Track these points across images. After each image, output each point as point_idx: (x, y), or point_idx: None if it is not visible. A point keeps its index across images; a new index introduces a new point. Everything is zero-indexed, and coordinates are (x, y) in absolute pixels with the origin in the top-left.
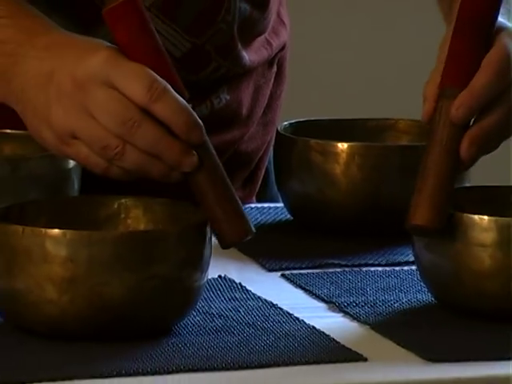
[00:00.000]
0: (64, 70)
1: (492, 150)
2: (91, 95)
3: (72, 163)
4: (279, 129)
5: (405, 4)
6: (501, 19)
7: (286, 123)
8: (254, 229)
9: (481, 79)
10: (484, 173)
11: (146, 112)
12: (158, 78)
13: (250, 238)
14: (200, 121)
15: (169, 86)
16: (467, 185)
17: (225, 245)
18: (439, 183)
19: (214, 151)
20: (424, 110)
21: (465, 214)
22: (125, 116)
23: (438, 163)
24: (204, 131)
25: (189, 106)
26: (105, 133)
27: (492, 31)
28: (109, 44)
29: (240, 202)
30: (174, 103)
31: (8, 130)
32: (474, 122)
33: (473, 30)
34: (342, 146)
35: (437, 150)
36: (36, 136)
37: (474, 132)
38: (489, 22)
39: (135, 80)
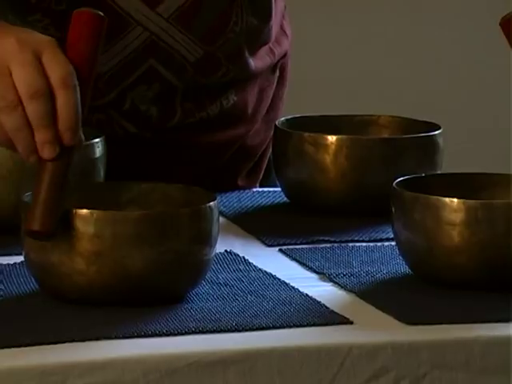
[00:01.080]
0: (12, 31)
1: None
2: (22, 55)
3: (98, 153)
4: (277, 124)
5: (394, 19)
6: None
7: (283, 119)
8: (52, 235)
9: None
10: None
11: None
12: (76, 78)
13: (43, 238)
14: (78, 129)
15: (78, 89)
16: (438, 172)
17: (27, 232)
18: None
19: (70, 161)
20: None
21: (437, 197)
22: (34, 84)
23: None
24: (74, 139)
25: (80, 115)
26: (10, 86)
27: None
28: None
29: (58, 206)
30: (73, 100)
31: None
32: None
33: None
34: (332, 138)
35: None
36: None
37: None
38: None
39: (61, 65)
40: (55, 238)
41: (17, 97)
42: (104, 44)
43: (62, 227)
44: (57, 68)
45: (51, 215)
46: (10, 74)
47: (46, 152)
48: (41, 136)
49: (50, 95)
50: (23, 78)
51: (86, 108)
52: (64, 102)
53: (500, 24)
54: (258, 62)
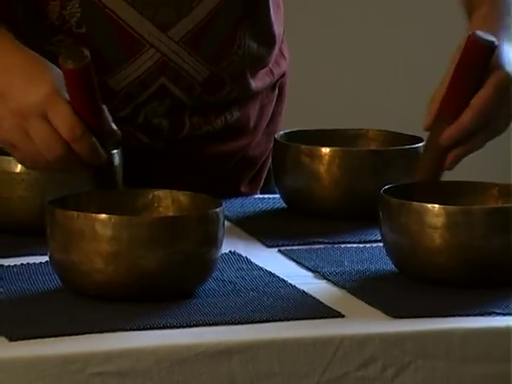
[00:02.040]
0: (12, 95)
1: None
2: (30, 122)
3: (116, 163)
4: (276, 137)
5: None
6: (497, 60)
7: (281, 132)
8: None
9: (466, 118)
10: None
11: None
12: (81, 124)
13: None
14: (110, 158)
15: (88, 133)
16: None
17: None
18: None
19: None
20: (424, 122)
21: (420, 203)
22: (51, 145)
23: (425, 168)
24: (103, 157)
25: (97, 146)
26: (36, 152)
27: (483, 75)
28: (55, 72)
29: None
30: (87, 147)
31: None
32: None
33: (469, 73)
34: (326, 150)
35: (426, 159)
36: None
37: (457, 152)
38: (483, 67)
39: (64, 121)
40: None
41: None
42: (120, 64)
43: (83, 230)
44: (61, 123)
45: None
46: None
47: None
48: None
49: (68, 149)
50: (41, 144)
51: (108, 127)
52: (82, 153)
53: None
54: (258, 82)
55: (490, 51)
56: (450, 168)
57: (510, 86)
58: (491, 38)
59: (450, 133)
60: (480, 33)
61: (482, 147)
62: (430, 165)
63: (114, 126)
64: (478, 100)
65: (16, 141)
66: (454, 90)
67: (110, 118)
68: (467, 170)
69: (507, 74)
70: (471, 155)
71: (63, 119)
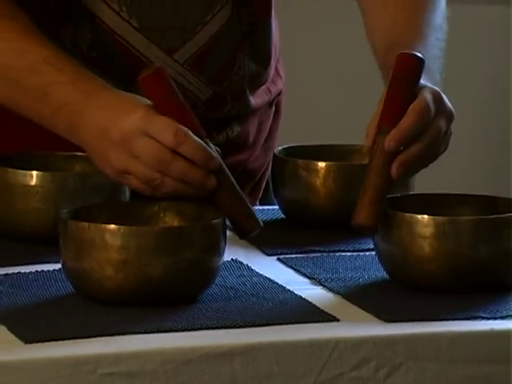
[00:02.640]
0: (113, 125)
1: (416, 172)
2: (134, 144)
3: None
4: (275, 152)
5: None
6: (422, 81)
7: (280, 148)
8: (261, 223)
9: (407, 121)
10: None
11: (176, 152)
12: (181, 126)
13: (258, 230)
14: (215, 153)
15: (189, 132)
16: (411, 192)
17: (242, 236)
18: (375, 195)
19: (228, 172)
20: (366, 143)
21: (410, 214)
22: (160, 157)
23: (374, 180)
24: (218, 160)
25: (205, 144)
26: (148, 170)
27: (416, 87)
28: (145, 101)
29: (250, 205)
30: (193, 144)
31: (78, 153)
32: (401, 152)
33: (402, 86)
34: (321, 164)
35: (374, 170)
36: (101, 170)
37: (401, 158)
38: (414, 81)
39: (165, 130)
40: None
41: (157, 175)
42: (129, 86)
43: (94, 240)
44: (163, 131)
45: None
46: (139, 162)
47: (209, 186)
48: (195, 182)
49: (174, 155)
50: (147, 159)
51: (202, 129)
52: (188, 151)
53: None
54: (257, 100)
55: (420, 65)
56: (398, 176)
57: (441, 98)
58: (419, 54)
59: (392, 136)
60: (408, 51)
61: (427, 163)
62: (373, 201)
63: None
64: (415, 105)
65: (126, 166)
66: (390, 103)
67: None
68: (455, 183)
69: (435, 89)
70: (441, 174)
71: (163, 129)
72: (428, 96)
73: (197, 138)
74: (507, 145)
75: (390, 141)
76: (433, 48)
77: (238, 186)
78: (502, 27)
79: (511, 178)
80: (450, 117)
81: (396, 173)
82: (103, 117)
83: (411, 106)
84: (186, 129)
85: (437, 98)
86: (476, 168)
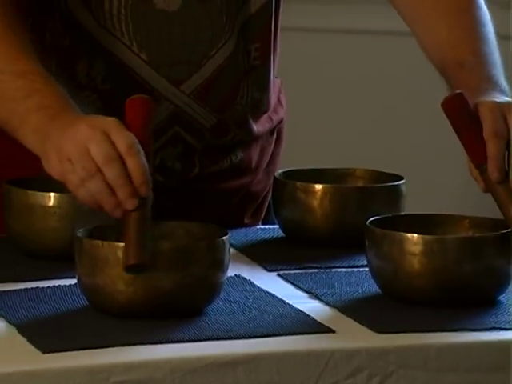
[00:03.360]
0: (83, 120)
1: None
2: (94, 135)
3: None
4: (276, 175)
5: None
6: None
7: (280, 171)
8: (146, 261)
9: (489, 148)
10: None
11: (122, 161)
12: (139, 145)
13: (137, 268)
14: (149, 183)
15: (143, 154)
16: (402, 213)
17: (124, 268)
18: None
19: (149, 207)
20: (481, 186)
21: (400, 233)
22: (107, 153)
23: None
24: (149, 191)
25: (149, 172)
26: (89, 159)
27: (474, 119)
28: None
29: (148, 243)
30: (140, 162)
31: None
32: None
33: (465, 125)
34: (318, 187)
35: (506, 200)
36: (48, 159)
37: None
38: (468, 114)
39: (126, 138)
40: (147, 269)
41: (96, 167)
42: None
43: (107, 257)
44: (123, 140)
45: (144, 251)
46: (88, 152)
47: (129, 205)
48: (121, 193)
49: (121, 161)
50: (98, 151)
51: (151, 167)
52: (133, 165)
53: (442, 105)
54: (259, 128)
55: (461, 98)
56: None
57: (499, 105)
58: (458, 91)
59: (492, 169)
60: (449, 95)
61: None
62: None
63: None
64: (486, 130)
65: (73, 153)
66: (468, 146)
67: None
68: (443, 204)
69: (488, 100)
70: (429, 196)
71: (123, 138)
72: (488, 114)
73: (145, 163)
74: None
75: (492, 173)
76: (493, 57)
77: (149, 225)
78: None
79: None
80: None
81: None
82: (76, 117)
83: (483, 133)
84: (142, 150)
85: (496, 105)
86: (463, 190)
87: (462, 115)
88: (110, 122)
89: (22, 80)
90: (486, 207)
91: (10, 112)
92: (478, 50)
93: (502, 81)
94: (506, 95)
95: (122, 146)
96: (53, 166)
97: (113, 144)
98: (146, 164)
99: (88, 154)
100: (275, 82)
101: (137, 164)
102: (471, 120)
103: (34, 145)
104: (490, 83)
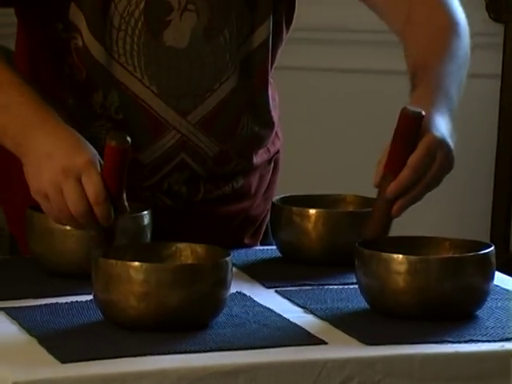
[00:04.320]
0: (58, 156)
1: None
2: (66, 181)
3: (146, 221)
4: (274, 201)
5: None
6: (437, 109)
7: (278, 197)
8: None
9: (404, 175)
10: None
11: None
12: (105, 192)
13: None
14: (111, 219)
15: (108, 200)
16: (389, 235)
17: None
18: (378, 223)
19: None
20: (375, 180)
21: (387, 253)
22: (78, 203)
23: (378, 214)
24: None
25: (111, 213)
26: (63, 205)
27: (416, 140)
28: (91, 149)
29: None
30: (105, 212)
31: None
32: (399, 197)
33: (403, 140)
34: (312, 211)
35: (379, 206)
36: (29, 182)
37: (400, 203)
38: (414, 135)
39: (93, 186)
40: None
41: (69, 211)
42: (148, 143)
43: (120, 275)
44: (91, 188)
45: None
46: (61, 194)
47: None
48: (88, 225)
49: (88, 205)
50: (70, 199)
51: (122, 202)
52: (99, 215)
53: (402, 112)
54: (258, 158)
55: (418, 121)
56: (397, 216)
57: (438, 147)
58: (418, 110)
59: (392, 188)
60: (410, 107)
61: (421, 198)
62: (378, 223)
63: (126, 204)
64: (413, 160)
65: (50, 192)
66: (392, 154)
67: (125, 196)
68: (425, 228)
69: (435, 136)
70: (430, 216)
71: (93, 185)
72: (424, 151)
73: (110, 212)
74: (474, 193)
75: (389, 192)
76: (453, 74)
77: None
78: (490, 100)
79: (474, 224)
80: (446, 167)
81: (395, 214)
82: (53, 143)
83: (409, 159)
84: (107, 195)
85: (437, 147)
86: (444, 215)
87: (409, 132)
88: (83, 165)
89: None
90: (465, 231)
91: None
92: (445, 64)
93: (454, 93)
94: (452, 105)
95: (89, 194)
96: (32, 190)
97: (83, 190)
98: (110, 211)
99: (61, 197)
100: (273, 118)
101: (101, 215)
102: (412, 140)
103: (16, 153)
104: (441, 90)
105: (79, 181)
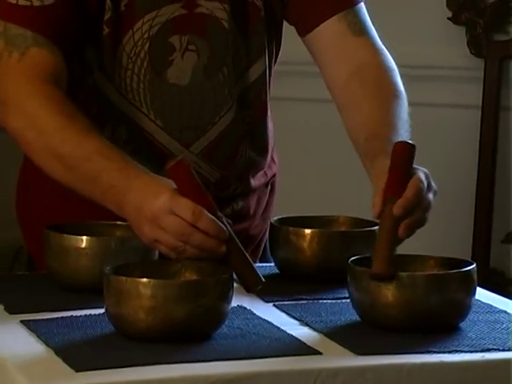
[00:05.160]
0: (146, 205)
1: (413, 233)
2: (162, 220)
3: None
4: (272, 221)
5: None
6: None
7: (275, 218)
8: (263, 280)
9: (410, 193)
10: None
11: (195, 227)
12: (198, 206)
13: (260, 286)
14: (226, 226)
15: (204, 210)
16: None
17: (248, 290)
18: (387, 250)
19: (237, 240)
20: (374, 212)
21: None
22: (182, 231)
23: (385, 239)
24: (228, 232)
25: (216, 220)
26: (173, 240)
27: (410, 169)
28: (171, 184)
29: (254, 265)
30: (208, 220)
31: (118, 222)
32: (405, 217)
33: (402, 167)
34: (308, 231)
35: (384, 233)
36: (138, 237)
37: (407, 222)
38: (410, 163)
39: (185, 210)
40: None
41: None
42: (155, 173)
43: (130, 290)
44: (185, 212)
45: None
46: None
47: (220, 252)
48: (210, 250)
49: (193, 228)
50: (174, 231)
51: (215, 207)
52: (203, 226)
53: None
54: (256, 182)
55: (413, 150)
56: (405, 236)
57: (429, 177)
58: (412, 142)
59: (399, 204)
60: (403, 140)
61: (425, 220)
62: (385, 258)
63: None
64: (414, 181)
65: (156, 237)
66: (392, 181)
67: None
68: (411, 247)
69: (424, 170)
70: (417, 236)
71: (184, 209)
72: (421, 175)
73: (210, 215)
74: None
75: (398, 208)
76: (404, 138)
77: (244, 250)
78: (470, 130)
79: (457, 243)
80: (435, 192)
81: (403, 234)
82: (139, 198)
83: (411, 181)
84: (201, 208)
85: (427, 177)
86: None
87: (406, 162)
88: (166, 201)
89: (88, 163)
90: (449, 249)
91: (91, 192)
92: (400, 132)
93: None
94: None
95: (186, 217)
96: (147, 244)
97: (181, 220)
98: (210, 216)
99: (169, 238)
100: (270, 143)
101: (205, 224)
102: (409, 169)
103: (120, 215)
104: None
105: (173, 213)
